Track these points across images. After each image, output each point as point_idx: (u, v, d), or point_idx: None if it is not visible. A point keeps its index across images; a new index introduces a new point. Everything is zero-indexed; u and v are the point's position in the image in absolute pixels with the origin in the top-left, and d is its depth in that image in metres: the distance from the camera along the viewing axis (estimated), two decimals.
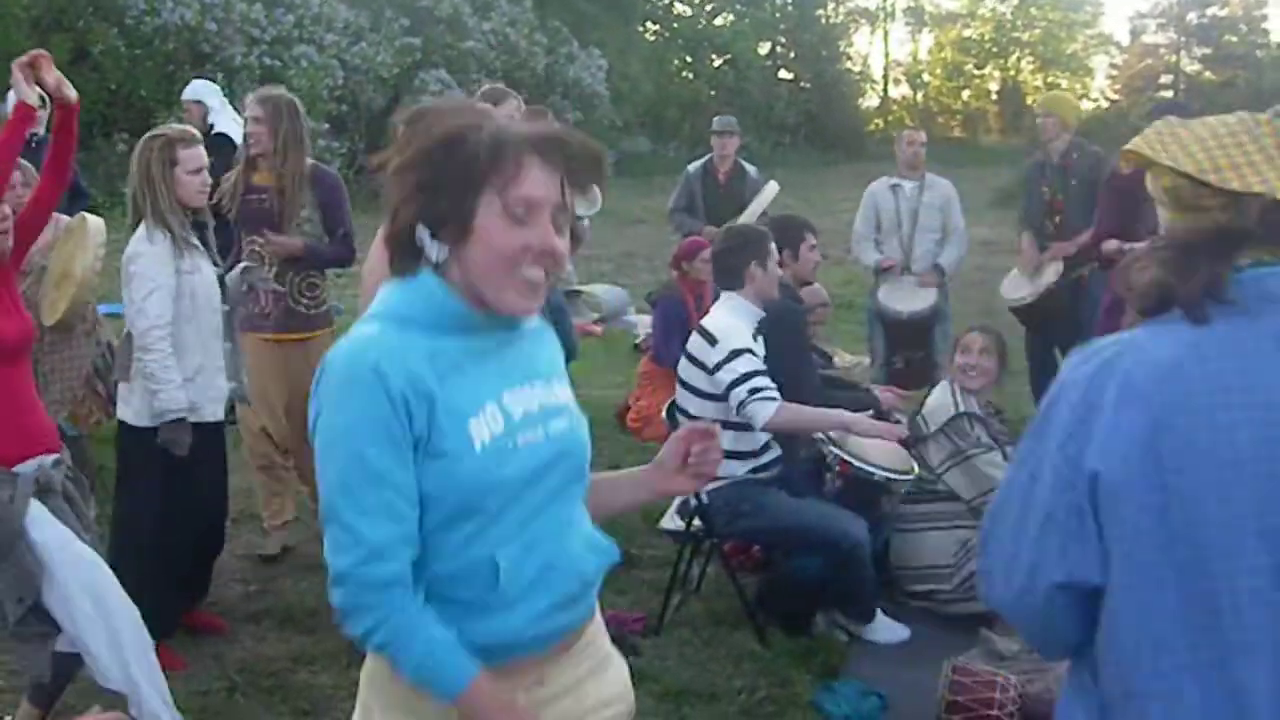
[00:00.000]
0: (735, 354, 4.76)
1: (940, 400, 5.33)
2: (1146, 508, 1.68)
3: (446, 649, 1.96)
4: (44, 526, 3.65)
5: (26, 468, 3.68)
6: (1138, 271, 1.82)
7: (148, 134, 4.58)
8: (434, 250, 1.97)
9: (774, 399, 4.70)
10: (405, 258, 2.01)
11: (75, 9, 19.83)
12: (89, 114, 14.63)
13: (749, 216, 7.84)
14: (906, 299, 7.75)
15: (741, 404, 4.72)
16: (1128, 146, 1.89)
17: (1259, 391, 1.68)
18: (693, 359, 4.91)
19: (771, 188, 8.38)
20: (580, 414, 2.21)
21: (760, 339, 4.96)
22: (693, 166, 8.88)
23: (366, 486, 1.91)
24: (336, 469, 1.94)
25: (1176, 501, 1.67)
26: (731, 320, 4.90)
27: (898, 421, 5.71)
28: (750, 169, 8.73)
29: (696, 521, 5.02)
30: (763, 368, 4.79)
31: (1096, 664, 1.78)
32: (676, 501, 5.38)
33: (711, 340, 4.84)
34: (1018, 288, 7.55)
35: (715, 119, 8.99)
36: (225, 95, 8.65)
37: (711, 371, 4.80)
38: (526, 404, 2.06)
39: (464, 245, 1.95)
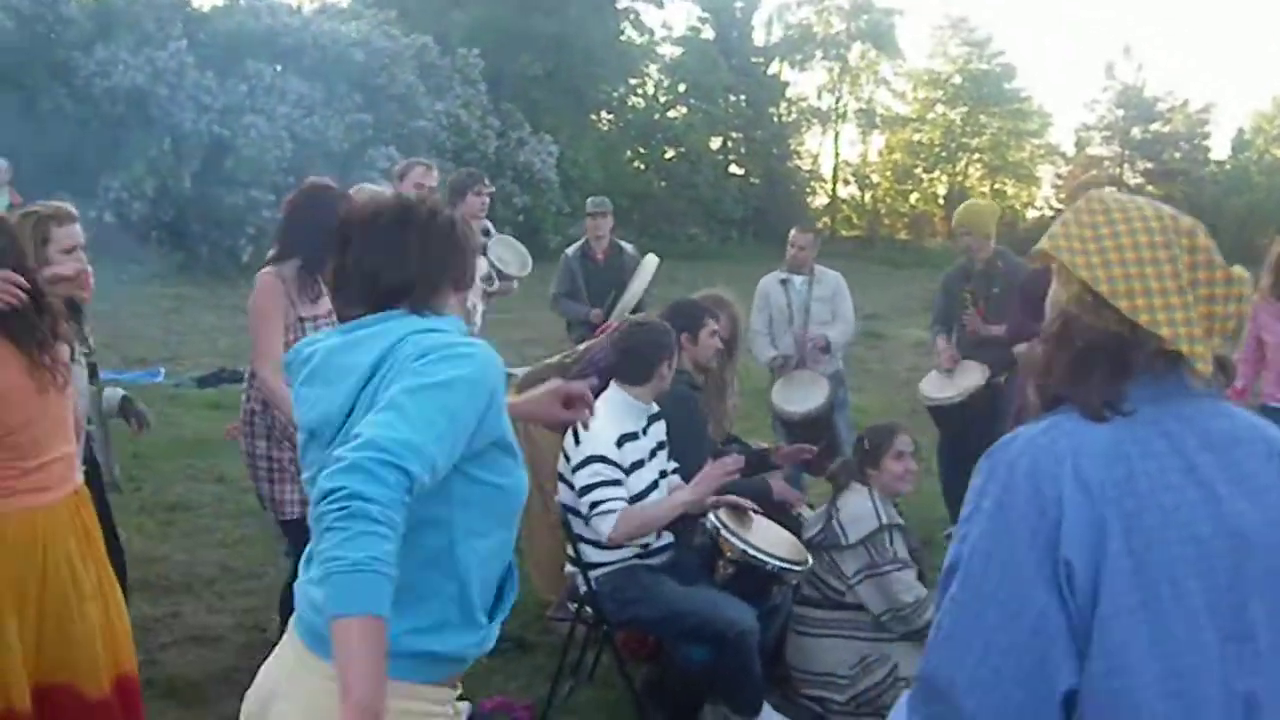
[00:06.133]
0: (588, 461, 4.73)
1: (861, 509, 5.10)
2: (1117, 592, 1.71)
3: None
4: None
5: None
6: (1041, 372, 1.88)
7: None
8: None
9: (611, 511, 4.64)
10: None
11: (26, 67, 19.77)
12: (33, 172, 14.44)
13: (633, 295, 7.87)
14: (799, 398, 7.56)
15: (587, 519, 4.72)
16: (1041, 245, 1.90)
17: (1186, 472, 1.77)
18: (565, 453, 4.92)
19: (650, 261, 8.29)
20: None
21: (647, 433, 4.97)
22: (571, 250, 8.85)
23: None
24: None
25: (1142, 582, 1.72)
26: (602, 420, 4.70)
27: (798, 514, 5.70)
28: (628, 246, 8.75)
29: (586, 608, 4.96)
30: (612, 477, 4.71)
31: None
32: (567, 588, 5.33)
33: (576, 439, 4.81)
34: (940, 388, 7.51)
35: (589, 200, 9.01)
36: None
37: (573, 471, 4.79)
38: None
39: None
